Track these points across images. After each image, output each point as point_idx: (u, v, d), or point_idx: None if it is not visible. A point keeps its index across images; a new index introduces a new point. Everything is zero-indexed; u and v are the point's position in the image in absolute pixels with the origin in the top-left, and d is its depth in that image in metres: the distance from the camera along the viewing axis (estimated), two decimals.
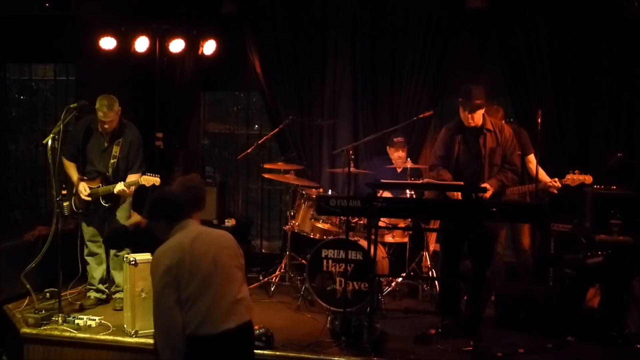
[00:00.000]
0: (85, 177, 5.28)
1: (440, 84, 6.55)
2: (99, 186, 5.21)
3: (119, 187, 5.12)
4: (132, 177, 5.20)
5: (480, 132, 4.85)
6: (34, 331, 4.73)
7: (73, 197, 5.28)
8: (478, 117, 4.80)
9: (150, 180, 5.07)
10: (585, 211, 5.32)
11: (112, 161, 5.23)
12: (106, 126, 5.19)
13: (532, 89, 6.31)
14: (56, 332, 4.70)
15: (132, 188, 5.16)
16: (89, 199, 5.20)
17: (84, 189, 5.21)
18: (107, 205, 5.25)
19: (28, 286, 5.08)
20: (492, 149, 4.83)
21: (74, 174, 5.31)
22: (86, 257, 5.45)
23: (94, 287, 5.46)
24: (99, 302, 5.42)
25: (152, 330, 3.21)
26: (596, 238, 4.92)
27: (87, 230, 5.40)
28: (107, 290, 5.52)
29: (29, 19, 7.29)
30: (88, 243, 5.42)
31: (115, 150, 5.24)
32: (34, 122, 8.54)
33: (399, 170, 6.13)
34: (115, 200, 5.29)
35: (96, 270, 5.45)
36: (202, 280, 3.11)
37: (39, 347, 4.71)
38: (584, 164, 5.73)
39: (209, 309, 3.09)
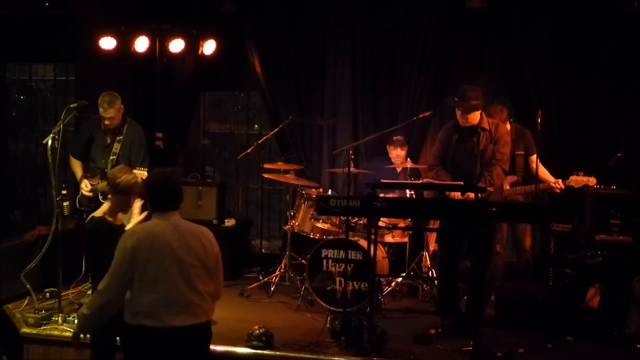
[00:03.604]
0: (88, 174, 5.33)
1: (440, 84, 6.55)
2: (99, 182, 5.21)
3: None
4: None
5: (475, 131, 4.88)
6: (34, 331, 4.73)
7: (78, 195, 5.32)
8: (472, 118, 4.83)
9: (138, 174, 5.03)
10: (585, 211, 5.33)
11: (111, 157, 5.25)
12: (107, 122, 5.22)
13: (532, 89, 6.31)
14: (56, 332, 4.69)
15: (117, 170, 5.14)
16: (90, 194, 5.23)
17: (85, 186, 5.26)
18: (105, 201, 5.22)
19: (28, 286, 5.08)
20: (486, 147, 4.85)
21: (78, 171, 5.37)
22: None
23: None
24: None
25: None
26: (596, 238, 4.92)
27: None
28: None
29: (28, 19, 7.29)
30: None
31: (116, 147, 5.26)
32: (34, 122, 8.54)
33: (398, 169, 6.13)
34: None
35: None
36: (158, 271, 3.13)
37: (39, 347, 4.70)
38: (584, 164, 5.74)
39: (159, 301, 3.11)
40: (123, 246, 3.17)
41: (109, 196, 3.91)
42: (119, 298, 3.17)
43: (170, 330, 3.11)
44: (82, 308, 3.32)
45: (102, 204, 5.20)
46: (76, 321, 3.42)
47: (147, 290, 3.12)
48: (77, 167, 5.40)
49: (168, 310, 3.12)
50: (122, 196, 3.83)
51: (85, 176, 5.33)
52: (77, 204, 5.32)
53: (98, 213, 3.87)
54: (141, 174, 5.02)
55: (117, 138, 5.28)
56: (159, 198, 3.29)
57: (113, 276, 3.15)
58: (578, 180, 5.35)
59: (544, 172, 5.60)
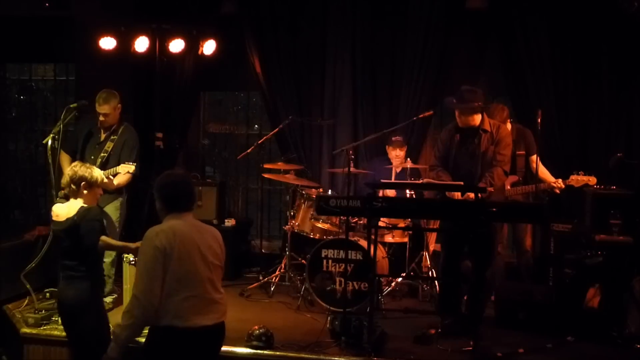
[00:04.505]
0: None
1: (440, 84, 6.54)
2: None
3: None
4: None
5: (476, 132, 4.88)
6: (34, 331, 4.73)
7: (52, 191, 5.23)
8: (471, 119, 4.83)
9: (126, 168, 4.99)
10: (585, 211, 5.33)
11: (102, 154, 5.21)
12: (101, 118, 5.19)
13: (532, 89, 6.31)
14: (56, 332, 4.69)
15: (117, 181, 5.08)
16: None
17: None
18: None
19: (28, 286, 5.07)
20: (487, 149, 4.85)
21: (66, 166, 5.28)
22: None
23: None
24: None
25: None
26: (596, 238, 4.92)
27: None
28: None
29: (29, 19, 7.30)
30: None
31: (109, 145, 5.23)
32: (34, 122, 8.54)
33: (397, 170, 6.13)
34: None
35: None
36: (188, 271, 3.14)
37: (39, 347, 4.70)
38: (584, 164, 5.73)
39: (187, 300, 3.11)
40: (153, 245, 3.11)
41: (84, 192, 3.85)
42: (158, 299, 3.10)
43: (198, 330, 3.12)
44: (119, 324, 3.19)
45: None
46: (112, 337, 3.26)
47: (175, 290, 3.10)
48: (65, 162, 5.29)
49: (195, 310, 3.13)
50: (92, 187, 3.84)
51: None
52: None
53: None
54: (128, 167, 4.99)
55: (112, 137, 5.26)
56: (175, 199, 3.30)
57: (148, 277, 3.08)
58: (578, 179, 5.35)
59: (544, 172, 5.60)
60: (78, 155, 5.31)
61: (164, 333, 3.12)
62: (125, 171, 5.03)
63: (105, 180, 4.92)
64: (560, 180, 5.45)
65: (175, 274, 3.10)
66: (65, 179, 3.87)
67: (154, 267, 3.09)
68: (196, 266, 3.16)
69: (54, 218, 3.86)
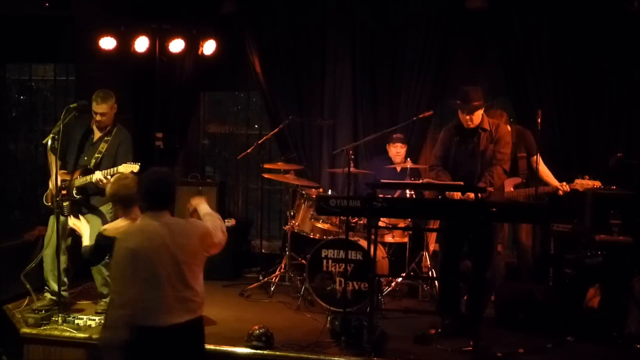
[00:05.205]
0: (65, 171, 5.19)
1: (440, 84, 6.55)
2: (77, 178, 5.11)
3: (97, 175, 4.97)
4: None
5: (476, 132, 4.88)
6: (34, 331, 4.72)
7: (46, 192, 5.21)
8: (477, 118, 4.83)
9: (129, 167, 4.92)
10: (585, 211, 5.33)
11: (96, 155, 5.16)
12: (98, 118, 5.16)
13: (532, 89, 6.30)
14: (56, 332, 4.69)
15: (112, 180, 5.02)
16: (60, 184, 5.08)
17: (60, 176, 5.12)
18: (78, 197, 5.11)
19: (28, 286, 5.07)
20: (486, 147, 4.86)
21: (53, 167, 5.23)
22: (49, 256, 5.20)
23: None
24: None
25: None
26: (596, 238, 4.92)
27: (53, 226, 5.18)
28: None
29: (29, 19, 7.30)
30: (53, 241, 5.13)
31: (102, 146, 5.19)
32: (34, 122, 8.54)
33: (398, 169, 6.13)
34: (86, 194, 5.16)
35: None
36: (156, 271, 3.14)
37: (39, 347, 4.70)
38: (584, 164, 5.73)
39: (156, 300, 3.13)
40: (123, 246, 3.17)
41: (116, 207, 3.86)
42: (132, 298, 3.16)
43: (168, 328, 3.13)
44: (103, 330, 3.30)
45: (74, 199, 5.12)
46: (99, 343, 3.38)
47: (144, 290, 3.13)
48: (52, 162, 5.19)
49: (165, 309, 3.14)
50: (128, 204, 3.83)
51: (64, 174, 5.17)
52: (44, 200, 5.21)
53: (110, 232, 3.76)
54: (132, 167, 4.94)
55: (105, 138, 5.22)
56: (153, 197, 3.30)
57: (121, 278, 3.15)
58: (583, 184, 5.36)
59: (548, 175, 5.60)
60: (71, 156, 5.23)
61: (137, 333, 3.14)
62: (128, 171, 4.99)
63: (104, 180, 4.92)
64: (565, 184, 5.45)
65: (143, 274, 3.13)
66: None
67: (124, 268, 3.14)
68: (164, 266, 3.16)
69: None
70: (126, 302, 3.14)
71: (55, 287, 5.07)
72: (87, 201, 5.21)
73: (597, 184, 5.33)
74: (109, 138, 5.22)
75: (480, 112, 4.83)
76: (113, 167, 5.05)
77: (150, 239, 3.17)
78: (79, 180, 5.09)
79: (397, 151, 6.14)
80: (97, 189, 5.09)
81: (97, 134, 5.26)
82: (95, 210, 5.21)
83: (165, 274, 3.16)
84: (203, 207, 3.72)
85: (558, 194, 5.50)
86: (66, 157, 5.25)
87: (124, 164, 4.96)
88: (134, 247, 3.14)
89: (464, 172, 4.88)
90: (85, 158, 5.20)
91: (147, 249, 3.15)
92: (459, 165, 4.92)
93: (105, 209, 5.25)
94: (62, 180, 5.12)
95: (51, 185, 5.16)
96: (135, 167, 4.90)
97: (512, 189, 5.54)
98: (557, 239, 5.40)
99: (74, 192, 5.12)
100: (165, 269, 3.16)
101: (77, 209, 5.21)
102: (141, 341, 3.14)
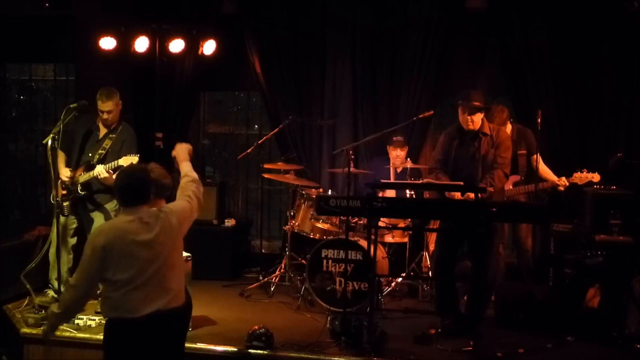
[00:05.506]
0: (71, 168, 5.23)
1: (440, 84, 6.55)
2: (81, 174, 5.14)
3: (99, 168, 4.97)
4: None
5: (476, 136, 4.87)
6: (34, 331, 4.72)
7: (53, 191, 5.19)
8: (477, 120, 4.82)
9: (129, 160, 4.92)
10: (585, 211, 5.32)
11: (100, 151, 5.18)
12: (104, 116, 5.18)
13: (532, 89, 6.31)
14: (56, 332, 4.65)
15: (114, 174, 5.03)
16: (68, 180, 5.15)
17: (65, 172, 5.18)
18: (82, 193, 5.15)
19: (28, 286, 5.07)
20: (487, 152, 4.85)
21: (62, 164, 5.27)
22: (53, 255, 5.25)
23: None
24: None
25: None
26: (596, 238, 4.92)
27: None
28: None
29: (29, 19, 7.30)
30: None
31: (107, 143, 5.21)
32: (34, 122, 8.53)
33: (398, 170, 6.13)
34: (91, 190, 5.18)
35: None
36: (131, 266, 3.18)
37: (39, 347, 4.69)
38: (584, 164, 5.73)
39: (135, 293, 3.17)
40: (93, 243, 3.21)
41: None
42: (89, 294, 3.31)
43: (150, 316, 3.18)
44: (52, 307, 3.43)
45: (78, 195, 5.14)
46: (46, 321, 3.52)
47: (120, 284, 3.17)
48: (61, 161, 5.28)
49: (146, 301, 3.19)
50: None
51: (70, 171, 5.21)
52: (51, 200, 5.21)
53: None
54: (131, 159, 4.92)
55: (110, 135, 5.24)
56: (127, 194, 3.32)
57: (84, 273, 3.22)
58: (582, 177, 5.37)
59: (547, 172, 5.61)
60: (75, 154, 5.29)
61: (118, 325, 3.21)
62: (128, 163, 4.97)
63: (106, 174, 4.94)
64: (563, 178, 5.46)
65: (118, 269, 3.17)
66: None
67: (90, 263, 3.20)
68: (140, 260, 3.19)
69: None
70: (82, 295, 3.27)
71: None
72: (91, 198, 5.24)
73: (596, 176, 5.34)
74: (114, 135, 5.25)
75: (481, 115, 4.83)
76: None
77: (123, 237, 3.20)
78: (83, 177, 5.13)
79: (396, 154, 6.13)
80: (101, 185, 5.10)
81: (103, 131, 5.29)
82: (100, 208, 5.25)
83: (143, 269, 3.19)
84: (184, 165, 3.84)
85: (558, 190, 5.51)
86: (71, 155, 5.30)
87: (124, 157, 4.96)
88: (105, 246, 3.16)
89: (463, 175, 4.86)
90: (90, 155, 5.23)
91: (121, 246, 3.18)
92: (459, 169, 4.91)
93: (110, 206, 5.27)
94: (62, 181, 5.13)
95: (63, 171, 5.21)
96: (135, 159, 4.91)
97: (511, 187, 5.54)
98: (557, 239, 5.40)
99: (79, 188, 5.15)
100: (141, 264, 3.19)
101: (82, 206, 5.26)
102: (124, 333, 3.20)
